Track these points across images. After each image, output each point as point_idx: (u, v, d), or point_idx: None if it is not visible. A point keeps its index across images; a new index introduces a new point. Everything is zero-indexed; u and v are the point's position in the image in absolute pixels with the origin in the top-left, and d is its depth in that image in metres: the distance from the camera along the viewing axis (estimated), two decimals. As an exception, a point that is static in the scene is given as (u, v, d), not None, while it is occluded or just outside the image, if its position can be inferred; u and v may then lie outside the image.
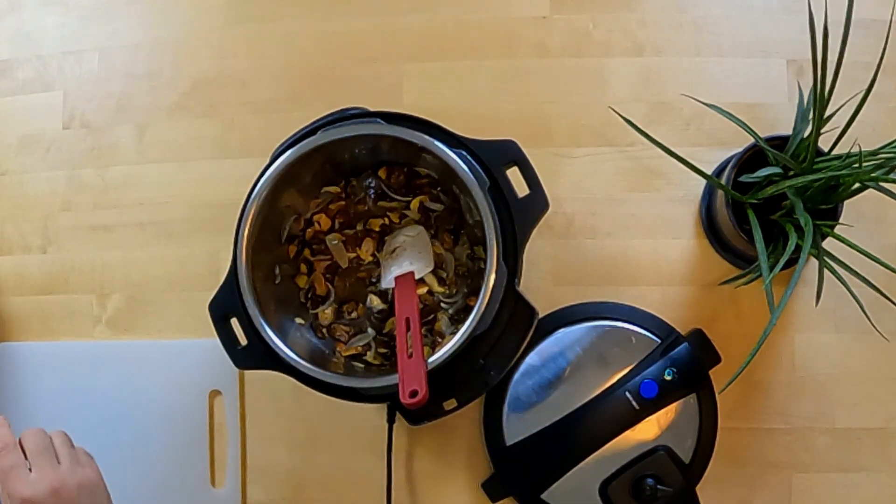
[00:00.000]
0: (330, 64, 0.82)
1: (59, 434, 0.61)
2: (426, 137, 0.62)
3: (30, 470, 0.56)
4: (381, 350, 0.70)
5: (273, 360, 0.62)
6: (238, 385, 0.77)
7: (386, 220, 0.71)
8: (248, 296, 0.63)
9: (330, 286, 0.71)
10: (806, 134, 0.64)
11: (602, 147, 0.78)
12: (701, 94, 0.73)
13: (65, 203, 0.83)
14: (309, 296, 0.72)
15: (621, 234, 0.77)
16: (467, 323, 0.59)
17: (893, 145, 0.61)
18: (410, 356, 0.58)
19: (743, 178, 0.65)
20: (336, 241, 0.71)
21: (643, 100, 0.78)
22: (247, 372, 0.78)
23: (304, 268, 0.72)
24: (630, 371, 0.69)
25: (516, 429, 0.70)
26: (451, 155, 0.61)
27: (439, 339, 0.68)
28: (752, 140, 0.66)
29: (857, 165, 0.59)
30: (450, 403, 0.62)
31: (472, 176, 0.61)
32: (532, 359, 0.70)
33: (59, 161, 0.84)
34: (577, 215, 0.77)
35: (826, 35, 0.57)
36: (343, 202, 0.72)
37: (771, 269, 0.61)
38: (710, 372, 0.69)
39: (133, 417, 0.77)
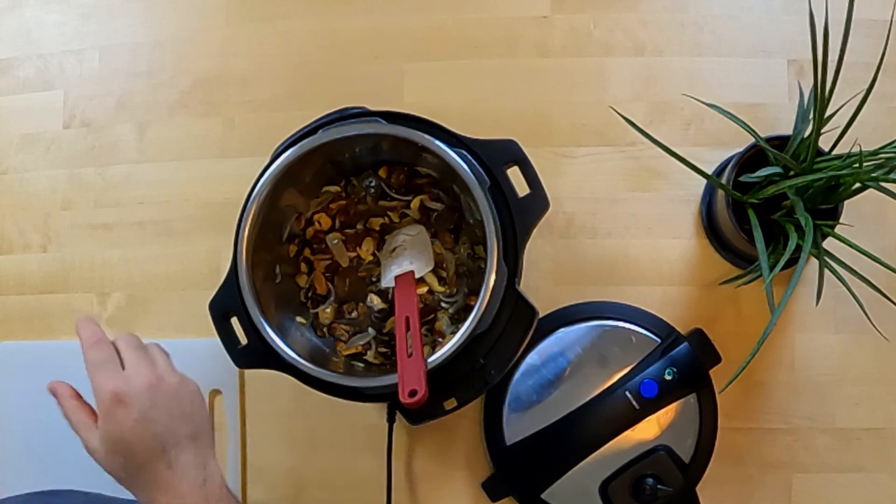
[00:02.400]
0: (331, 63, 0.82)
1: (154, 345, 0.58)
2: (426, 137, 0.62)
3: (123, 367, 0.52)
4: (382, 349, 0.70)
5: (273, 360, 0.62)
6: (238, 384, 0.77)
7: (386, 219, 0.71)
8: (249, 295, 0.63)
9: (330, 285, 0.71)
10: (806, 134, 0.64)
11: (602, 147, 0.78)
12: (701, 93, 0.73)
13: (65, 202, 0.83)
14: (309, 295, 0.72)
15: (621, 233, 0.77)
16: (467, 322, 0.59)
17: (894, 145, 0.61)
18: (410, 355, 0.58)
19: (743, 178, 0.65)
20: (336, 241, 0.71)
21: (644, 99, 0.78)
22: (247, 371, 0.78)
23: (304, 267, 0.72)
24: (630, 371, 0.69)
25: (516, 428, 0.70)
26: (451, 154, 0.61)
27: (439, 339, 0.68)
28: (752, 140, 0.66)
29: (857, 165, 0.59)
30: (450, 403, 0.62)
31: (472, 175, 0.61)
32: (532, 358, 0.70)
33: (59, 159, 0.84)
34: (577, 215, 0.77)
35: (826, 35, 0.57)
36: (343, 201, 0.72)
37: (771, 269, 0.61)
38: (710, 372, 0.69)
39: (133, 416, 0.77)
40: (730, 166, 0.68)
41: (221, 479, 0.52)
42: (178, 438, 0.51)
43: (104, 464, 0.51)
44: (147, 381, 0.51)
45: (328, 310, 0.71)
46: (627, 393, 0.67)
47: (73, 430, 0.53)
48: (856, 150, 0.59)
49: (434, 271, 0.68)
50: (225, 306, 0.64)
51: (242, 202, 0.64)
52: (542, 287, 0.76)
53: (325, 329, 0.71)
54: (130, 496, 0.54)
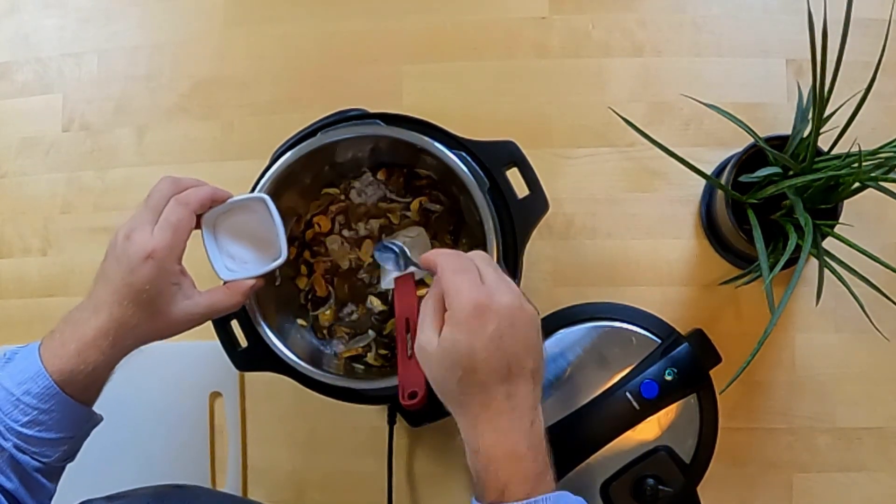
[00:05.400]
0: (329, 65, 0.82)
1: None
2: (425, 139, 0.62)
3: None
4: (382, 351, 0.69)
5: (273, 362, 0.62)
6: (238, 387, 0.77)
7: (386, 220, 0.71)
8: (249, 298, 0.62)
9: (330, 287, 0.71)
10: (805, 133, 0.64)
11: (602, 147, 0.78)
12: (700, 94, 0.73)
13: (65, 205, 0.83)
14: (309, 297, 0.71)
15: (621, 234, 0.77)
16: (467, 324, 0.59)
17: (893, 145, 0.61)
18: (410, 357, 0.58)
19: (743, 178, 0.65)
20: (336, 243, 0.71)
21: (643, 100, 0.78)
22: (247, 374, 0.78)
23: (304, 269, 0.72)
24: (630, 371, 0.68)
25: (517, 429, 0.69)
26: (450, 156, 0.61)
27: (440, 340, 0.68)
28: (751, 140, 0.66)
29: (856, 165, 0.59)
30: (450, 404, 0.62)
31: (471, 177, 0.61)
32: (532, 359, 0.70)
33: (58, 163, 0.84)
34: (577, 216, 0.77)
35: (825, 34, 0.57)
36: (343, 203, 0.72)
37: (771, 269, 0.60)
38: (711, 372, 0.69)
39: (134, 419, 0.77)
40: (729, 166, 0.68)
41: (543, 429, 0.49)
42: (523, 370, 0.47)
43: (435, 370, 0.48)
44: (510, 302, 0.47)
45: (328, 312, 0.71)
46: (628, 394, 0.67)
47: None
48: (855, 149, 0.59)
49: (434, 273, 0.68)
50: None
51: (242, 205, 0.64)
52: (542, 288, 0.76)
53: (325, 331, 0.71)
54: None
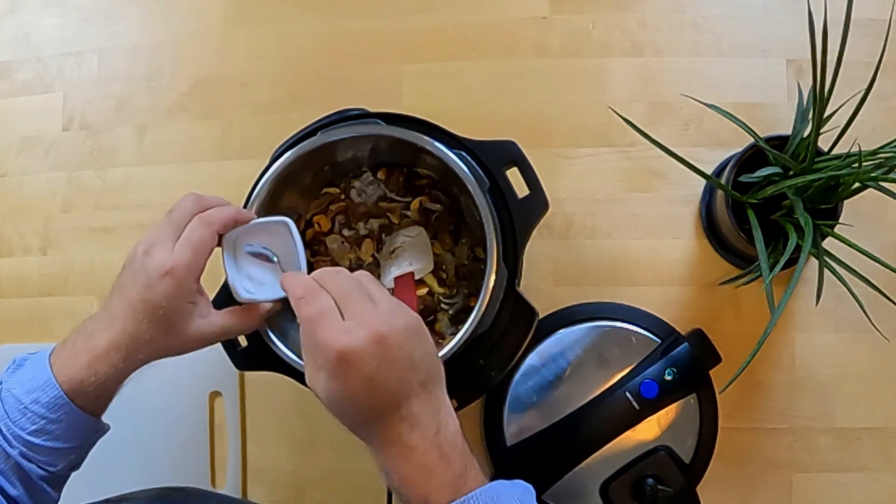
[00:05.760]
0: (330, 65, 0.82)
1: (365, 273, 0.50)
2: (425, 138, 0.62)
3: (342, 316, 0.45)
4: (382, 351, 0.69)
5: (273, 362, 0.62)
6: (238, 386, 0.77)
7: (386, 220, 0.71)
8: (249, 297, 0.62)
9: (330, 287, 0.71)
10: (806, 133, 0.64)
11: (602, 147, 0.78)
12: (700, 94, 0.73)
13: (65, 204, 0.83)
14: (309, 297, 0.71)
15: (621, 234, 0.77)
16: (467, 323, 0.59)
17: (893, 145, 0.61)
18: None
19: (743, 178, 0.65)
20: (336, 243, 0.71)
21: (643, 100, 0.78)
22: (247, 373, 0.78)
23: (304, 269, 0.71)
24: (630, 371, 0.69)
25: (517, 429, 0.70)
26: (450, 155, 0.61)
27: (439, 340, 0.68)
28: (751, 140, 0.66)
29: (856, 165, 0.59)
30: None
31: (471, 176, 0.61)
32: (532, 359, 0.70)
33: (58, 162, 0.84)
34: (577, 215, 0.77)
35: (825, 35, 0.57)
36: (343, 203, 0.72)
37: (771, 269, 0.61)
38: (711, 372, 0.69)
39: (133, 418, 0.77)
40: (729, 166, 0.68)
41: (455, 426, 0.48)
42: (410, 388, 0.45)
43: (330, 409, 0.46)
44: (374, 333, 0.44)
45: (328, 311, 0.70)
46: (628, 393, 0.67)
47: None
48: (855, 149, 0.59)
49: (434, 272, 0.68)
50: (225, 308, 0.64)
51: (242, 205, 0.64)
52: (542, 288, 0.76)
53: (325, 331, 0.70)
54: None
